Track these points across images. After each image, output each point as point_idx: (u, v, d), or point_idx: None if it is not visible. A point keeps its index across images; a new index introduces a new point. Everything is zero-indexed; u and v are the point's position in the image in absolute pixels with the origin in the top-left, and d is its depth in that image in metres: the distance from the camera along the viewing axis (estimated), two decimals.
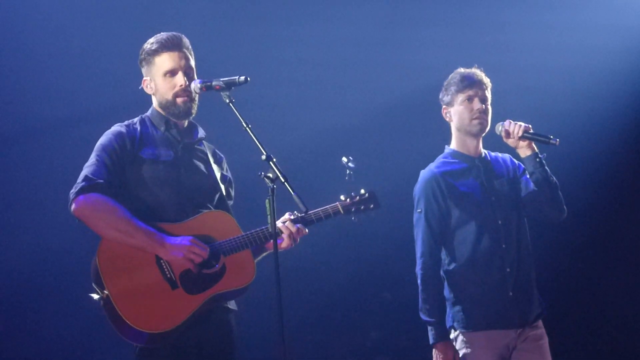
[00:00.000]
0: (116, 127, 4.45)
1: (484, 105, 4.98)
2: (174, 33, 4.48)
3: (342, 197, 4.59)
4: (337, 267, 7.61)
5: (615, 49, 7.58)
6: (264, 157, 4.09)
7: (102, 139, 4.40)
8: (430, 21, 7.50)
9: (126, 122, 4.49)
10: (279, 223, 4.43)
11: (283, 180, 4.04)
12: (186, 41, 4.48)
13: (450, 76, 5.08)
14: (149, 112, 4.55)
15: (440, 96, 5.11)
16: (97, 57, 6.70)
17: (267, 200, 4.08)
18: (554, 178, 4.96)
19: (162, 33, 4.49)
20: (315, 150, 7.26)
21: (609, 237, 7.70)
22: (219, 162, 4.64)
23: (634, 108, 7.66)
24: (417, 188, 5.05)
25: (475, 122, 4.98)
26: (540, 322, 5.02)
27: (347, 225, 7.28)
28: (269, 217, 4.08)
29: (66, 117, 6.81)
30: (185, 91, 4.42)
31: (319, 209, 4.52)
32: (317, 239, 6.90)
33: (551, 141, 4.88)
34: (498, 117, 5.05)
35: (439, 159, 5.12)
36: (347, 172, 4.49)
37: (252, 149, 4.12)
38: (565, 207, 5.01)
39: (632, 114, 7.67)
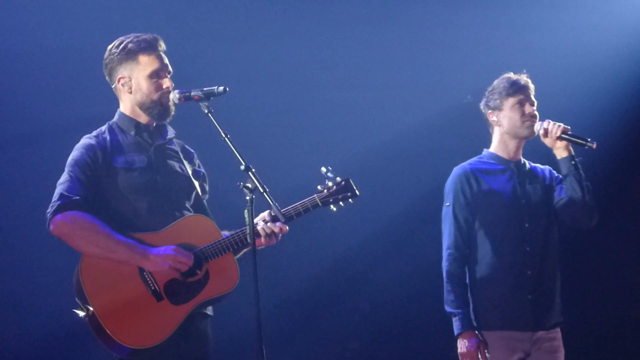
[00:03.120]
0: (86, 140, 4.37)
1: (534, 109, 5.06)
2: (154, 35, 4.44)
3: (318, 188, 4.48)
4: (316, 277, 7.60)
5: (611, 50, 7.61)
6: (242, 167, 4.08)
7: (74, 154, 4.33)
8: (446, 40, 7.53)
9: (95, 133, 4.41)
10: (259, 222, 4.37)
11: (262, 190, 4.03)
12: (164, 45, 4.45)
13: (497, 81, 5.13)
14: (116, 118, 4.47)
15: (484, 102, 5.15)
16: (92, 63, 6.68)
17: (246, 211, 4.07)
18: (588, 182, 4.98)
19: (138, 34, 4.43)
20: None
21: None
22: (190, 159, 4.59)
23: (631, 108, 7.68)
24: (448, 182, 5.11)
25: (528, 124, 5.03)
26: (558, 333, 5.02)
27: (327, 235, 7.34)
28: (247, 227, 4.07)
29: (59, 124, 6.76)
30: (169, 93, 4.38)
31: (297, 203, 4.42)
32: (296, 249, 6.91)
33: (588, 143, 4.92)
34: None
35: (475, 158, 5.17)
36: (326, 182, 4.49)
37: (233, 158, 4.12)
38: (597, 212, 5.03)
39: (630, 115, 7.68)
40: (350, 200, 4.50)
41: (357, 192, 4.50)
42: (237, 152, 4.11)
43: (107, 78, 4.48)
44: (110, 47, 4.44)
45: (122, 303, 4.13)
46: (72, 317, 4.20)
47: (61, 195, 4.20)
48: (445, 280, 4.97)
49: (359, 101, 7.61)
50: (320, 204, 4.45)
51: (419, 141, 7.63)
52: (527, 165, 5.16)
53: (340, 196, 4.48)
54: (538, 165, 5.22)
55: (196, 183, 4.52)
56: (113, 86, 4.47)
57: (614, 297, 7.58)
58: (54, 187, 4.28)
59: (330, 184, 4.48)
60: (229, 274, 4.31)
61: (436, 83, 7.46)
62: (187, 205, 4.44)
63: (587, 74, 7.54)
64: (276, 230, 4.36)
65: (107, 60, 4.43)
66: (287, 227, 4.41)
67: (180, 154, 4.53)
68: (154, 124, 4.47)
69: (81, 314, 4.14)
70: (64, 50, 6.80)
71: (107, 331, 4.08)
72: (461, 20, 7.52)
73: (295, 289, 7.56)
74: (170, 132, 4.52)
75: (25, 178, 6.74)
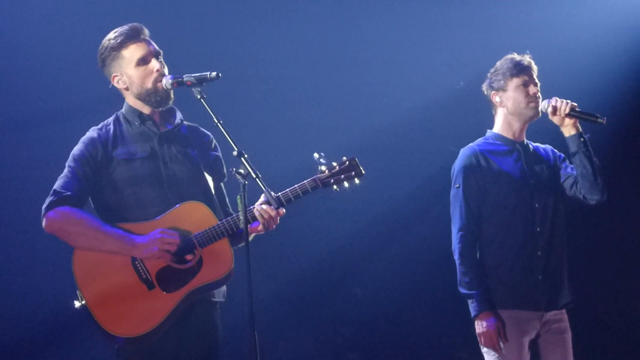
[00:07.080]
0: (89, 133, 4.44)
1: (538, 90, 5.06)
2: (133, 23, 4.43)
3: (322, 169, 4.36)
4: (308, 262, 7.61)
5: (611, 50, 7.60)
6: (235, 153, 4.08)
7: (76, 148, 4.40)
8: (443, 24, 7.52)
9: (100, 125, 4.47)
10: (255, 205, 4.31)
11: (255, 176, 4.03)
12: (146, 30, 4.44)
13: (500, 62, 5.12)
14: (123, 109, 4.51)
15: (487, 83, 5.14)
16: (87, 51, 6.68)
17: (238, 197, 4.07)
18: (597, 159, 4.96)
19: (116, 29, 4.43)
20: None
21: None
22: (203, 143, 4.57)
23: (629, 108, 7.68)
24: (457, 163, 5.08)
25: (532, 105, 5.02)
26: (565, 315, 5.04)
27: (321, 220, 7.35)
28: (240, 213, 4.08)
29: (56, 111, 6.74)
30: (162, 75, 4.38)
31: (296, 185, 4.33)
32: (290, 233, 6.91)
33: (598, 119, 4.89)
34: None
35: (480, 139, 5.16)
36: (319, 167, 4.46)
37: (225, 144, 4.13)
38: (606, 190, 5.00)
39: (628, 114, 7.69)
40: (356, 180, 4.36)
41: (363, 171, 4.37)
42: (229, 137, 4.12)
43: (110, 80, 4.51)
44: (98, 52, 4.47)
45: (112, 293, 4.19)
46: (70, 311, 4.25)
47: (53, 192, 4.30)
48: (458, 262, 4.95)
49: (359, 83, 7.58)
50: (320, 185, 4.34)
51: (421, 124, 7.62)
52: (531, 146, 5.16)
53: (343, 176, 4.34)
54: (539, 144, 5.22)
55: (207, 169, 4.51)
56: (113, 85, 4.49)
57: (622, 279, 7.60)
58: (55, 175, 4.34)
59: (334, 164, 4.37)
60: (222, 260, 4.30)
61: (441, 65, 7.44)
62: (194, 192, 4.42)
63: (586, 74, 7.54)
64: (272, 213, 4.28)
65: (100, 65, 4.48)
66: (284, 210, 4.33)
67: (190, 139, 4.53)
68: (159, 112, 4.48)
69: (77, 304, 4.21)
70: (66, 38, 6.79)
71: (97, 321, 4.16)
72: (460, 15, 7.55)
73: (289, 274, 7.57)
74: (179, 116, 4.52)
75: (26, 163, 6.75)
